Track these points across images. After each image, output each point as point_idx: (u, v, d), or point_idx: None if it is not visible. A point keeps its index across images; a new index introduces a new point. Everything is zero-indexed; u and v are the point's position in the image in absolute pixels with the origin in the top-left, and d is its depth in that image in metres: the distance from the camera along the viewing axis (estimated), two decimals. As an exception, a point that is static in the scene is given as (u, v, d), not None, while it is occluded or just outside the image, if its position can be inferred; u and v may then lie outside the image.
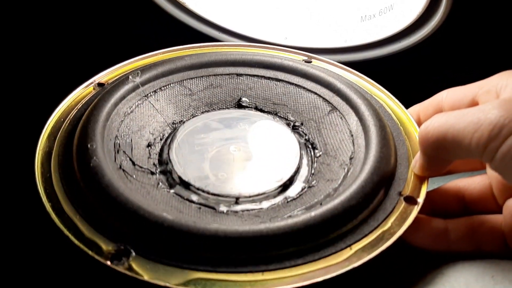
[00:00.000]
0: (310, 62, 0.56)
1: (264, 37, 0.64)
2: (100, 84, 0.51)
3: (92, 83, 0.51)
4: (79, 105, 0.48)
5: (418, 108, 0.49)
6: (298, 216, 0.39)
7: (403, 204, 0.42)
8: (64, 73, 0.62)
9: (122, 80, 0.49)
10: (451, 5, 0.51)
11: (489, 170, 0.44)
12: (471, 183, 0.45)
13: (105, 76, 0.52)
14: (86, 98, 0.49)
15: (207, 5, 0.65)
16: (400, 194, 0.43)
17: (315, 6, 0.63)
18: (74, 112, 0.48)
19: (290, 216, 0.41)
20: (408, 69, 0.60)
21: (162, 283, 0.36)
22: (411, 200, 0.43)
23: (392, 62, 0.59)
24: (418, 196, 0.43)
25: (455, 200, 0.45)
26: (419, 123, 0.48)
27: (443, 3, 0.51)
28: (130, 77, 0.49)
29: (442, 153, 0.41)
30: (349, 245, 0.39)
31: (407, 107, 0.51)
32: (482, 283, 0.39)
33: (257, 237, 0.38)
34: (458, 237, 0.43)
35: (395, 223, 0.41)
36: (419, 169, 0.44)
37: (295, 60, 0.54)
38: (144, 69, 0.50)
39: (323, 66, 0.55)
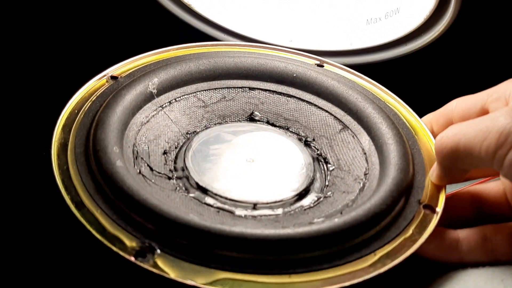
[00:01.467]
0: (322, 66, 0.56)
1: (269, 39, 0.63)
2: (113, 77, 0.50)
3: (105, 75, 0.50)
4: (93, 97, 0.47)
5: (431, 117, 0.50)
6: (325, 222, 0.39)
7: (422, 212, 0.43)
8: (74, 68, 0.61)
9: (138, 85, 0.48)
10: (459, 8, 0.51)
11: (502, 177, 0.45)
12: (486, 188, 0.45)
13: (118, 69, 0.51)
14: (100, 91, 0.48)
15: (212, 7, 0.64)
16: (419, 202, 0.43)
17: (320, 8, 0.63)
18: (88, 104, 0.47)
19: (314, 223, 0.41)
20: (414, 72, 0.61)
21: (189, 282, 0.35)
22: (429, 208, 0.43)
23: (398, 66, 0.59)
24: (436, 204, 0.43)
25: (469, 206, 0.45)
26: (432, 133, 0.49)
27: (451, 6, 0.51)
28: (149, 85, 0.48)
29: (457, 163, 0.41)
30: (373, 251, 0.39)
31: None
32: (491, 286, 0.39)
33: (287, 241, 0.37)
34: (470, 247, 0.43)
35: (416, 231, 0.41)
36: (436, 178, 0.44)
37: (307, 70, 0.53)
38: (159, 76, 0.49)
39: (335, 71, 0.55)
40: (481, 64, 0.49)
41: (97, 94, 0.48)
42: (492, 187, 0.45)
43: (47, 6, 0.63)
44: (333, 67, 0.56)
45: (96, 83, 0.49)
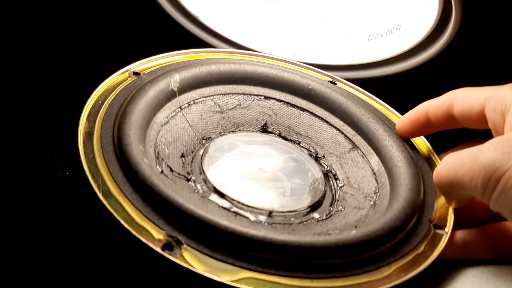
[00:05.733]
0: (335, 84, 0.57)
1: (273, 52, 0.65)
2: (135, 73, 0.50)
3: (127, 70, 0.50)
4: (117, 90, 0.48)
5: (428, 105, 0.50)
6: (345, 233, 0.40)
7: (432, 231, 0.44)
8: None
9: (161, 82, 0.49)
10: (459, 26, 0.52)
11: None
12: None
13: (140, 65, 0.52)
14: (123, 85, 0.49)
15: (218, 18, 0.65)
16: (430, 221, 0.45)
17: (324, 23, 0.65)
18: (112, 96, 0.47)
19: (331, 233, 0.42)
20: (414, 88, 0.62)
21: (215, 278, 0.36)
22: (440, 227, 0.45)
23: (398, 81, 0.60)
24: (445, 224, 0.45)
25: (481, 207, 0.46)
26: (428, 121, 0.49)
27: (450, 24, 0.52)
28: (171, 82, 0.49)
29: (457, 195, 0.44)
30: (389, 264, 0.41)
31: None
32: None
33: (310, 247, 0.38)
34: (477, 247, 0.44)
35: (427, 248, 0.43)
36: (446, 203, 0.46)
37: (322, 85, 0.55)
38: (181, 74, 0.50)
39: (347, 90, 0.57)
40: (480, 81, 0.50)
41: (121, 88, 0.48)
42: None
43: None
44: (346, 85, 0.58)
45: (118, 77, 0.50)
